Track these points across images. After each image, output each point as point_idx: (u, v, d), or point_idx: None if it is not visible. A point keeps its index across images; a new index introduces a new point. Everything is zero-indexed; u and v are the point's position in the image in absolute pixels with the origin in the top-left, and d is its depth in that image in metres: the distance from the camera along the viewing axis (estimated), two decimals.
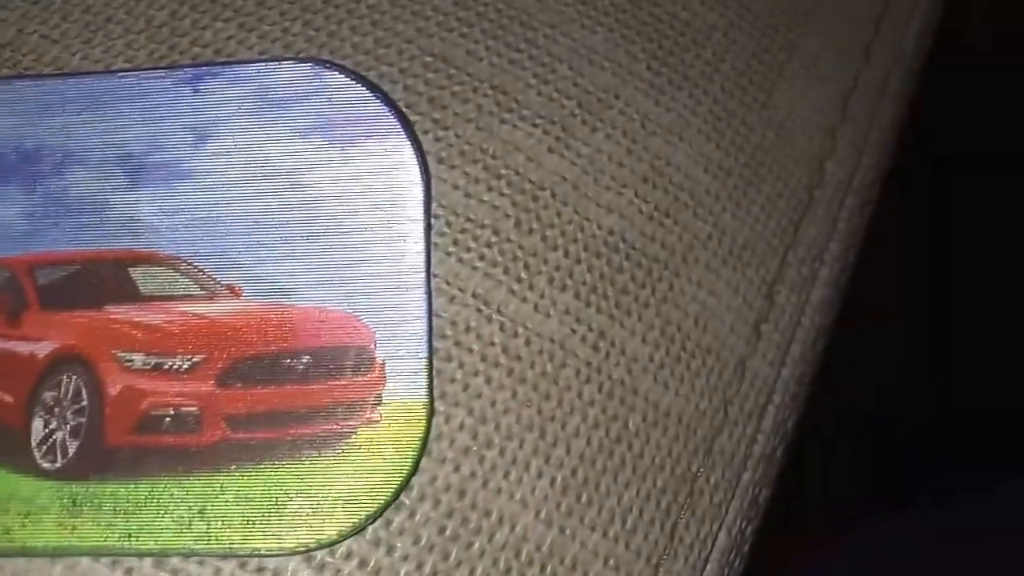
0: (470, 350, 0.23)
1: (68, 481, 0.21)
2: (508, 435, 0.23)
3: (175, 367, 0.22)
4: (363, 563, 0.21)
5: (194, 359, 0.22)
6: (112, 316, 0.22)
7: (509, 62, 0.26)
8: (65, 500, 0.21)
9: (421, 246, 0.22)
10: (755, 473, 0.26)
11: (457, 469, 0.22)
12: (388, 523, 0.22)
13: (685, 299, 0.25)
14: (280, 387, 0.22)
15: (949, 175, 0.63)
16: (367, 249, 0.22)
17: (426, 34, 0.26)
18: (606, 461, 0.23)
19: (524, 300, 0.24)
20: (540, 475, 0.23)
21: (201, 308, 0.22)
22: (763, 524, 0.27)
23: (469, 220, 0.24)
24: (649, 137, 0.26)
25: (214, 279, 0.23)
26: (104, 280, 0.23)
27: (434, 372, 0.22)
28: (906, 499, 0.55)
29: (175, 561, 0.21)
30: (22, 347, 0.22)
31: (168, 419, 0.22)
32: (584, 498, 0.23)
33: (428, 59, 0.25)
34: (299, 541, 0.21)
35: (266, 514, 0.21)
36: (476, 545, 0.22)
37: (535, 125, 0.25)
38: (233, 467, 0.21)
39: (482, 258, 0.24)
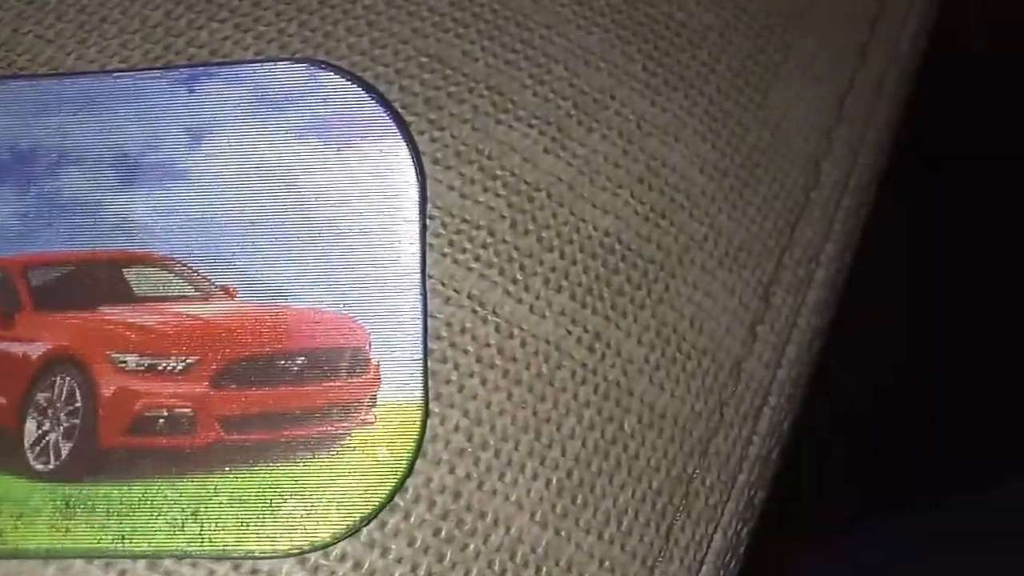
0: (465, 351, 0.23)
1: (61, 483, 0.21)
2: (503, 437, 0.23)
3: (169, 368, 0.22)
4: (357, 565, 0.21)
5: (188, 360, 0.22)
6: (106, 317, 0.22)
7: (505, 63, 0.26)
8: (58, 502, 0.21)
9: (416, 247, 0.22)
10: (751, 475, 0.26)
11: (452, 471, 0.22)
12: (383, 525, 0.22)
13: (681, 300, 0.25)
14: (274, 388, 0.22)
15: (945, 175, 0.63)
16: (362, 250, 0.22)
17: (422, 35, 0.25)
18: (601, 463, 0.23)
19: (519, 301, 0.24)
20: (535, 477, 0.23)
21: (195, 309, 0.22)
22: (758, 526, 0.27)
23: (465, 221, 0.24)
24: (645, 138, 0.26)
25: (208, 280, 0.22)
26: (98, 281, 0.23)
27: (429, 374, 0.22)
28: (902, 500, 0.56)
29: (168, 563, 0.21)
30: (15, 348, 0.22)
31: (162, 420, 0.22)
32: (579, 500, 0.23)
33: (424, 60, 0.25)
34: (293, 543, 0.21)
35: (260, 516, 0.21)
36: (471, 547, 0.22)
37: (531, 126, 0.25)
38: (227, 469, 0.21)
39: (477, 259, 0.24)
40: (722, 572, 0.25)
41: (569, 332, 0.24)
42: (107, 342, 0.22)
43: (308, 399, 0.22)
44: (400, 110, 0.24)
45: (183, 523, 0.21)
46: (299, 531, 0.21)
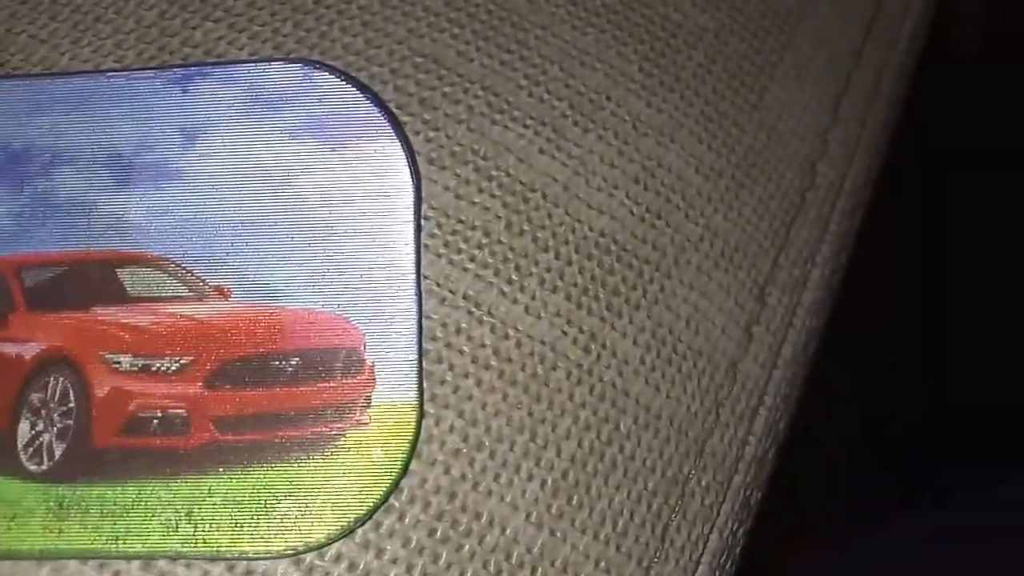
0: (460, 352, 0.23)
1: (55, 483, 0.21)
2: (498, 437, 0.23)
3: (163, 369, 0.22)
4: (352, 566, 0.21)
5: (182, 361, 0.22)
6: (99, 317, 0.22)
7: (500, 63, 0.26)
8: (52, 503, 0.21)
9: (411, 247, 0.22)
10: (746, 475, 0.26)
11: (447, 471, 0.22)
12: (377, 526, 0.22)
13: (676, 301, 0.25)
14: (269, 389, 0.22)
15: (941, 172, 0.63)
16: (357, 251, 0.22)
17: (417, 35, 0.25)
18: (597, 463, 0.23)
19: (515, 302, 0.24)
20: (530, 477, 0.23)
21: (189, 309, 0.22)
22: (755, 527, 0.27)
23: (460, 221, 0.24)
24: (641, 138, 0.26)
25: (202, 280, 0.22)
26: (91, 281, 0.22)
27: (424, 374, 0.22)
28: (905, 499, 0.56)
29: (162, 564, 0.21)
30: (9, 348, 0.22)
31: (156, 421, 0.22)
32: (575, 500, 0.23)
33: (419, 60, 0.25)
34: (287, 544, 0.21)
35: (254, 517, 0.21)
36: (466, 547, 0.22)
37: (526, 126, 0.25)
38: (221, 469, 0.21)
39: (473, 259, 0.24)
40: (718, 572, 0.25)
41: (564, 333, 0.24)
42: (101, 342, 0.22)
43: (302, 400, 0.22)
44: (395, 110, 0.24)
45: (177, 524, 0.21)
46: (294, 532, 0.21)
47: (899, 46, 0.32)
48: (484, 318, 0.23)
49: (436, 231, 0.24)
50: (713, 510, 0.25)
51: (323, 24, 0.25)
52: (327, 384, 0.22)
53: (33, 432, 0.22)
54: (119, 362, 0.22)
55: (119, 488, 0.21)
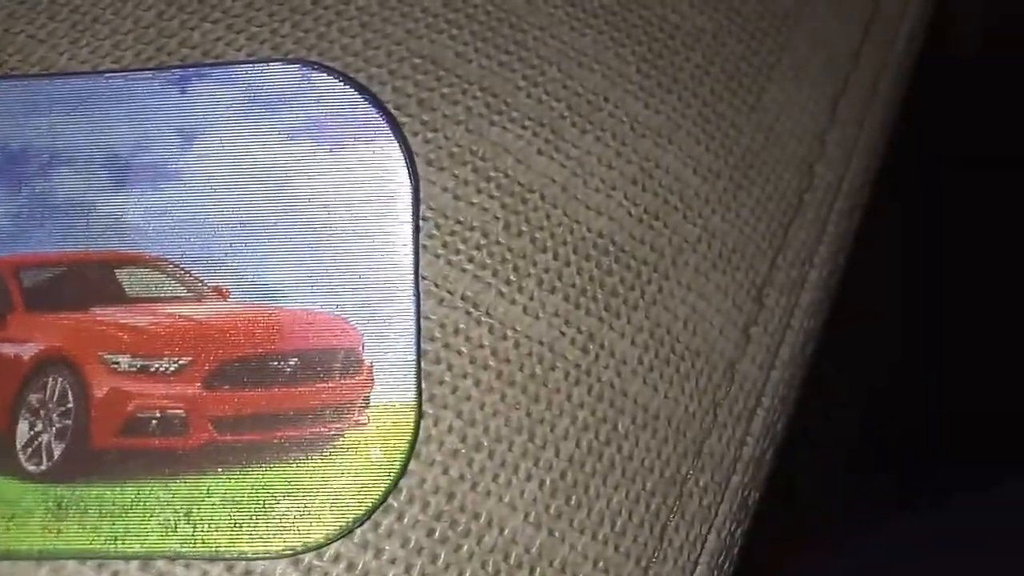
0: (459, 352, 0.23)
1: (54, 484, 0.21)
2: (497, 437, 0.23)
3: (161, 369, 0.22)
4: (351, 566, 0.21)
5: (180, 361, 0.22)
6: (98, 318, 0.22)
7: (498, 64, 0.26)
8: (50, 503, 0.21)
9: (410, 248, 0.22)
10: (744, 476, 0.26)
11: (446, 471, 0.22)
12: (376, 526, 0.22)
13: (674, 302, 0.25)
14: (267, 389, 0.22)
15: (939, 173, 0.63)
16: (356, 251, 0.22)
17: (415, 36, 0.25)
18: (595, 464, 0.23)
19: (513, 302, 0.24)
20: (529, 478, 0.23)
21: (188, 310, 0.22)
22: (753, 527, 0.27)
23: (458, 222, 0.24)
24: (638, 139, 0.26)
25: (201, 281, 0.22)
26: (90, 282, 0.22)
27: (422, 374, 0.22)
28: (902, 501, 0.56)
29: (161, 564, 0.21)
30: (7, 349, 0.22)
31: (154, 421, 0.22)
32: (573, 500, 0.23)
33: (417, 61, 0.25)
34: (286, 544, 0.21)
35: (253, 517, 0.21)
36: (465, 548, 0.22)
37: (524, 127, 0.25)
38: (220, 470, 0.21)
39: (471, 260, 0.24)
40: (716, 572, 0.25)
41: (563, 333, 0.24)
42: (99, 343, 0.22)
43: (301, 400, 0.22)
44: (393, 111, 0.24)
45: (176, 524, 0.21)
46: (292, 532, 0.21)
47: (897, 47, 0.32)
48: (482, 318, 0.23)
49: (434, 232, 0.24)
50: (711, 510, 0.25)
51: (321, 25, 0.25)
52: (326, 384, 0.22)
53: (32, 432, 0.22)
54: (118, 362, 0.22)
55: (118, 488, 0.21)
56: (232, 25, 0.25)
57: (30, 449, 0.22)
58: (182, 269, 0.22)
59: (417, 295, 0.22)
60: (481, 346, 0.23)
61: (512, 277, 0.24)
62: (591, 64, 0.26)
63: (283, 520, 0.21)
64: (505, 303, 0.24)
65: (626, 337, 0.24)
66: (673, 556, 0.24)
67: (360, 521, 0.21)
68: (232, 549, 0.21)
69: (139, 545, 0.21)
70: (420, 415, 0.22)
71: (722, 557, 0.25)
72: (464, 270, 0.24)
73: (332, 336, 0.22)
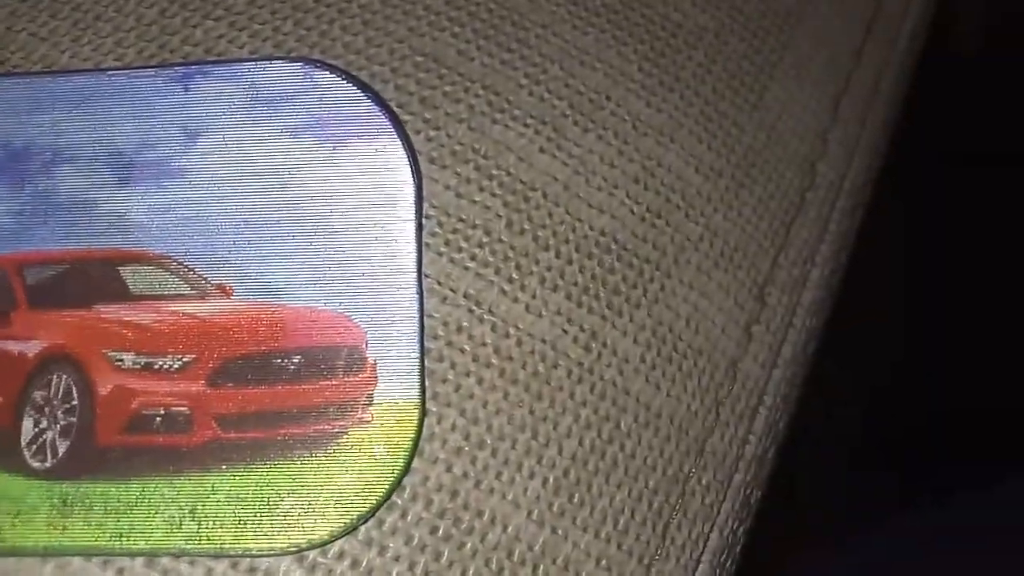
0: (462, 350, 0.23)
1: (58, 481, 0.21)
2: (500, 435, 0.23)
3: (165, 367, 0.22)
4: (355, 563, 0.21)
5: (184, 359, 0.22)
6: (102, 315, 0.22)
7: (501, 62, 0.26)
8: (55, 500, 0.21)
9: (412, 246, 0.22)
10: (747, 474, 0.26)
11: (449, 469, 0.22)
12: (380, 523, 0.22)
13: (676, 300, 0.25)
14: (271, 387, 0.22)
15: (941, 172, 0.63)
16: (358, 249, 0.22)
17: (417, 34, 0.25)
18: (598, 462, 0.23)
19: (516, 300, 0.24)
20: (532, 475, 0.23)
21: (191, 307, 0.22)
22: (755, 525, 0.27)
23: (460, 220, 0.24)
24: (640, 138, 0.26)
25: (204, 278, 0.22)
26: (93, 279, 0.22)
27: (426, 372, 0.22)
28: (905, 499, 0.56)
29: (166, 561, 0.21)
30: (11, 346, 0.22)
31: (159, 419, 0.22)
32: (576, 498, 0.23)
33: (419, 59, 0.25)
34: (291, 541, 0.21)
35: (257, 514, 0.21)
36: (468, 545, 0.22)
37: (527, 125, 0.25)
38: (224, 467, 0.21)
39: (473, 258, 0.24)
40: (718, 571, 0.25)
41: (565, 331, 0.24)
42: (103, 340, 0.22)
43: (305, 397, 0.22)
44: (396, 109, 0.24)
45: (180, 521, 0.21)
46: (297, 529, 0.21)
47: (899, 46, 0.32)
48: (485, 317, 0.23)
49: (437, 230, 0.24)
50: (713, 509, 0.25)
51: (324, 23, 0.25)
52: (329, 382, 0.22)
53: (36, 429, 0.22)
54: (122, 360, 0.22)
55: (123, 485, 0.21)
56: (235, 23, 0.25)
57: (35, 446, 0.22)
58: (185, 267, 0.22)
59: (420, 292, 0.22)
60: (484, 344, 0.23)
61: (514, 275, 0.24)
62: (593, 62, 0.27)
63: (287, 517, 0.21)
64: (507, 301, 0.24)
65: (628, 335, 0.25)
66: (675, 554, 0.24)
67: (364, 518, 0.21)
68: (237, 546, 0.21)
69: (144, 542, 0.21)
70: (423, 413, 0.22)
71: (724, 555, 0.25)
72: (467, 268, 0.24)
73: (335, 334, 0.22)
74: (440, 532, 0.22)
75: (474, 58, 0.26)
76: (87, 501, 0.21)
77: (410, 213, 0.23)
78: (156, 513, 0.21)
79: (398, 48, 0.25)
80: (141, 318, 0.22)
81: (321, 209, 0.23)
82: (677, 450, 0.24)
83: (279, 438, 0.21)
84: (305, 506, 0.21)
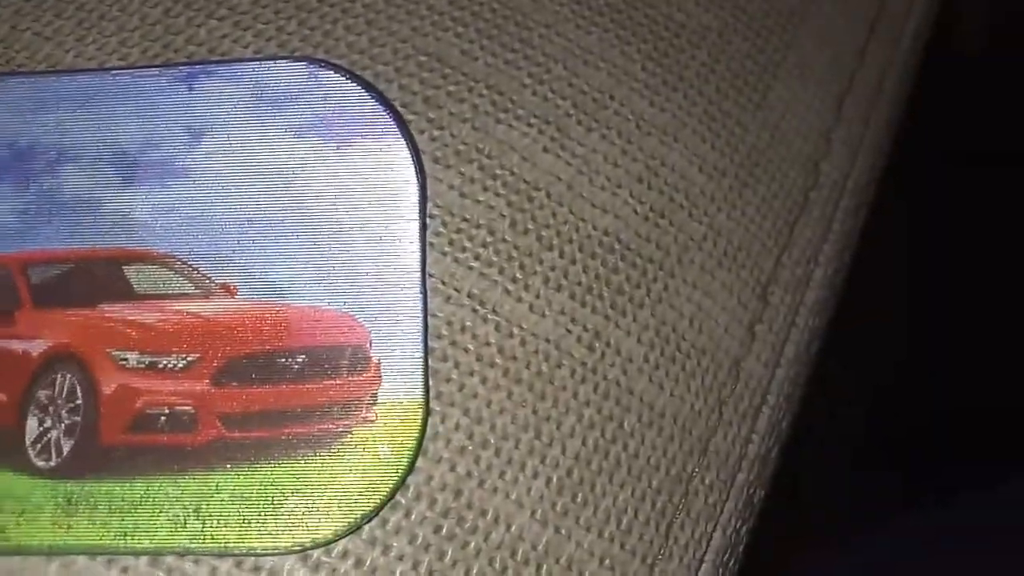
0: (466, 350, 0.23)
1: (63, 480, 0.21)
2: (503, 435, 0.23)
3: (170, 366, 0.22)
4: (359, 562, 0.21)
5: (189, 358, 0.22)
6: (106, 314, 0.22)
7: (504, 62, 0.26)
8: (60, 499, 0.21)
9: (416, 246, 0.22)
10: (750, 474, 0.26)
11: (453, 468, 0.22)
12: (384, 522, 0.22)
13: (680, 300, 0.25)
14: (275, 386, 0.22)
15: (944, 171, 0.63)
16: (362, 248, 0.22)
17: (421, 33, 0.26)
18: (601, 461, 0.23)
19: (519, 300, 0.24)
20: (536, 475, 0.23)
21: (196, 307, 0.22)
22: (758, 525, 0.27)
23: (464, 220, 0.24)
24: (644, 138, 0.26)
25: (208, 278, 0.22)
26: (98, 278, 0.23)
27: (430, 372, 0.22)
28: (908, 499, 0.56)
29: (170, 560, 0.21)
30: (16, 345, 0.22)
31: (163, 418, 0.22)
32: (579, 498, 0.23)
33: (423, 58, 0.25)
34: (295, 540, 0.21)
35: (262, 513, 0.21)
36: (472, 544, 0.22)
37: (530, 125, 0.25)
38: (228, 466, 0.21)
39: (477, 258, 0.24)
40: (721, 570, 0.25)
41: (569, 331, 0.24)
42: (108, 340, 0.22)
43: (309, 397, 0.22)
44: (400, 108, 0.24)
45: (185, 520, 0.21)
46: (301, 528, 0.21)
47: (903, 45, 0.32)
48: (489, 316, 0.23)
49: (441, 229, 0.24)
50: (717, 508, 0.25)
51: (327, 23, 0.25)
52: (333, 381, 0.22)
53: (41, 429, 0.22)
54: (126, 359, 0.22)
55: (127, 484, 0.21)
56: (239, 22, 0.25)
57: (39, 445, 0.22)
58: (190, 266, 0.22)
59: (424, 292, 0.22)
60: (488, 344, 0.23)
61: (518, 275, 0.24)
62: (597, 62, 0.27)
63: (292, 516, 0.21)
64: (511, 301, 0.24)
65: (632, 335, 0.25)
66: (679, 554, 0.24)
67: (368, 517, 0.21)
68: (241, 545, 0.21)
69: (148, 541, 0.21)
70: (427, 412, 0.22)
71: (727, 555, 0.25)
72: (470, 268, 0.24)
73: (340, 333, 0.22)
74: (444, 531, 0.22)
75: (478, 58, 0.26)
76: (92, 500, 0.21)
77: (414, 212, 0.23)
78: (160, 512, 0.21)
79: (402, 48, 0.25)
80: (145, 317, 0.22)
81: (325, 208, 0.23)
82: (680, 449, 0.24)
83: (283, 437, 0.22)
84: (309, 505, 0.21)
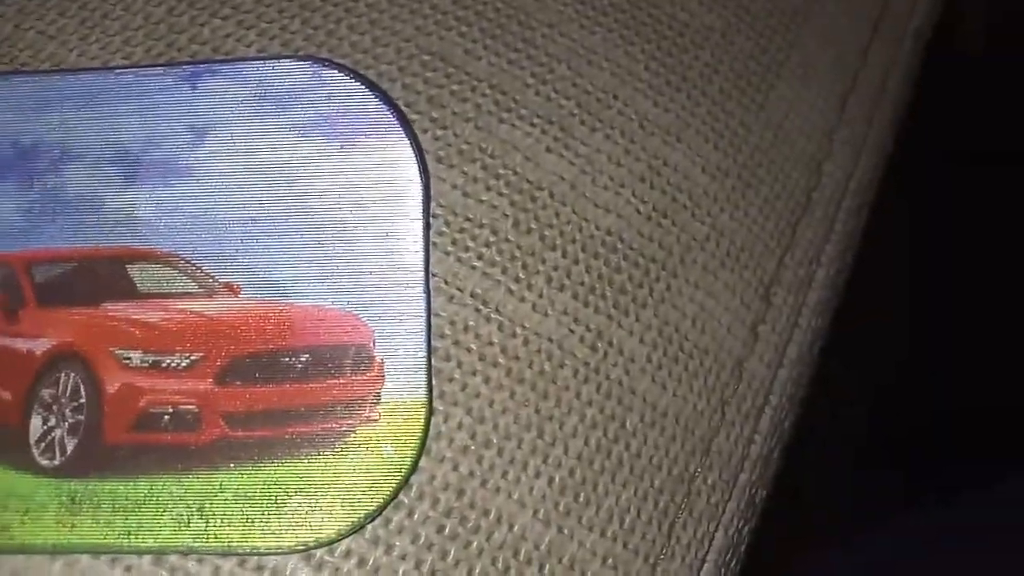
0: (469, 349, 0.23)
1: (67, 478, 0.21)
2: (506, 434, 0.23)
3: (173, 365, 0.22)
4: (362, 561, 0.21)
5: (192, 357, 0.22)
6: (110, 313, 0.22)
7: (508, 61, 0.26)
8: (64, 498, 0.21)
9: (420, 245, 0.22)
10: (752, 474, 0.26)
11: (456, 468, 0.22)
12: (387, 521, 0.22)
13: (683, 300, 0.25)
14: (279, 385, 0.22)
15: (947, 170, 0.63)
16: (366, 247, 0.22)
17: (424, 33, 0.26)
18: (604, 461, 0.23)
19: (522, 300, 0.24)
20: (538, 474, 0.23)
21: (199, 306, 0.22)
22: (760, 525, 0.27)
23: (468, 219, 0.24)
24: (647, 137, 0.26)
25: (212, 277, 0.22)
26: (101, 277, 0.23)
27: (433, 371, 0.22)
28: (910, 498, 0.56)
29: (174, 559, 0.21)
30: (19, 344, 0.22)
31: (167, 417, 0.22)
32: (582, 497, 0.23)
33: (427, 58, 0.25)
34: (298, 539, 0.21)
35: (265, 512, 0.21)
36: (475, 544, 0.22)
37: (533, 124, 0.25)
38: (232, 465, 0.21)
39: (480, 257, 0.24)
40: (723, 570, 0.25)
41: (571, 331, 0.24)
42: (111, 339, 0.22)
43: (312, 396, 0.22)
44: (403, 108, 0.24)
45: (188, 519, 0.21)
46: (304, 527, 0.21)
47: (906, 45, 0.32)
48: (492, 316, 0.23)
49: (444, 229, 0.24)
50: (719, 508, 0.25)
51: (331, 22, 0.25)
52: (337, 381, 0.22)
53: (45, 427, 0.22)
54: (130, 358, 0.22)
55: (131, 483, 0.21)
56: (242, 21, 0.25)
57: (43, 444, 0.22)
58: (193, 265, 0.22)
59: (427, 292, 0.22)
60: (490, 343, 0.23)
61: (521, 275, 0.24)
62: (600, 62, 0.27)
63: (295, 516, 0.21)
64: (514, 300, 0.24)
65: (635, 335, 0.25)
66: (681, 553, 0.24)
67: (371, 517, 0.21)
68: (244, 544, 0.21)
69: (152, 540, 0.21)
70: (431, 412, 0.22)
71: (729, 554, 0.25)
72: (473, 267, 0.24)
73: (343, 332, 0.22)
74: (447, 531, 0.22)
75: (481, 57, 0.26)
76: (95, 499, 0.21)
77: (417, 212, 0.23)
78: (164, 511, 0.21)
79: (405, 47, 0.25)
80: (149, 316, 0.22)
81: (328, 208, 0.23)
82: (683, 449, 0.24)
83: (287, 437, 0.22)
84: (312, 504, 0.21)
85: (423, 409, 0.22)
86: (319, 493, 0.21)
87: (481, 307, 0.23)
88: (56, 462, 0.22)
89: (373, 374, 0.22)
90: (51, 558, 0.21)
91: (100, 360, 0.22)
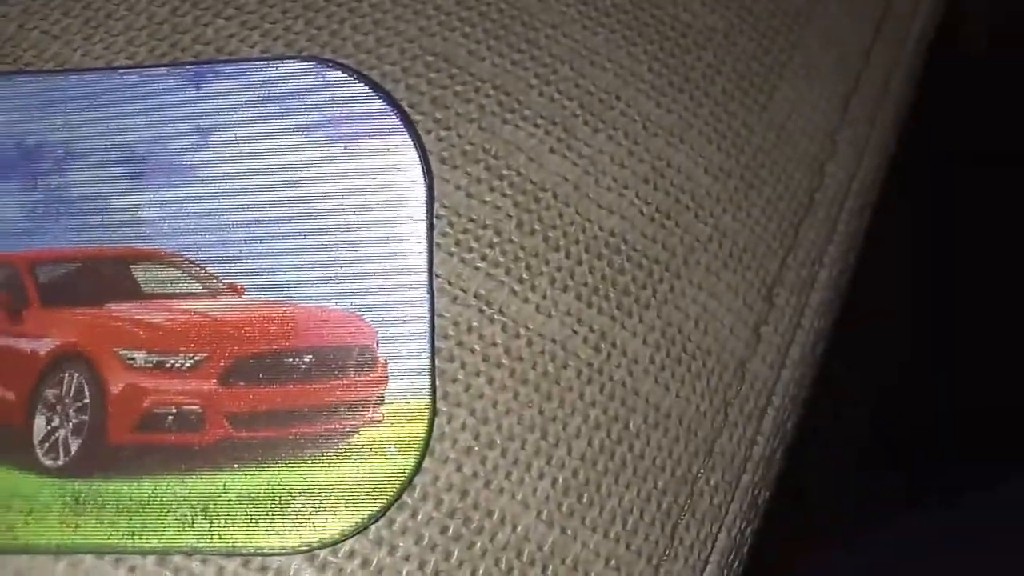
0: (472, 351, 0.23)
1: (71, 479, 0.21)
2: (510, 436, 0.23)
3: (177, 365, 0.22)
4: (366, 562, 0.21)
5: (196, 357, 0.22)
6: (114, 314, 0.22)
7: (511, 63, 0.26)
8: (68, 498, 0.21)
9: (423, 246, 0.23)
10: (755, 475, 0.26)
11: (459, 469, 0.22)
12: (391, 522, 0.22)
13: (685, 301, 0.25)
14: (283, 386, 0.22)
15: (949, 171, 0.63)
16: (369, 248, 0.22)
17: (428, 34, 0.26)
18: (607, 462, 0.23)
19: (526, 301, 0.24)
20: (542, 475, 0.23)
21: (203, 306, 0.22)
22: (763, 526, 0.27)
23: (471, 220, 0.24)
24: (650, 138, 0.26)
25: (216, 277, 0.22)
26: (105, 278, 0.23)
27: (436, 372, 0.22)
28: (912, 499, 0.56)
29: (178, 559, 0.21)
30: (23, 344, 0.22)
31: (170, 417, 0.22)
32: (585, 498, 0.23)
33: (430, 59, 0.25)
34: (302, 540, 0.21)
35: (269, 513, 0.21)
36: (478, 545, 0.22)
37: (537, 126, 0.25)
38: (236, 466, 0.21)
39: (484, 259, 0.24)
40: (726, 571, 0.25)
41: (575, 332, 0.24)
42: (115, 339, 0.22)
43: (316, 397, 0.22)
44: (407, 109, 0.24)
45: (192, 519, 0.21)
46: (308, 528, 0.21)
47: (908, 46, 0.32)
48: (495, 317, 0.23)
49: (448, 230, 0.24)
50: (722, 509, 0.25)
51: (334, 22, 0.25)
52: (340, 381, 0.22)
53: (49, 427, 0.22)
54: (133, 358, 0.22)
55: (135, 483, 0.21)
56: (246, 22, 0.25)
57: (47, 444, 0.22)
58: (197, 265, 0.23)
59: (431, 292, 0.22)
60: (494, 344, 0.23)
61: (525, 275, 0.24)
62: (603, 63, 0.27)
63: (299, 516, 0.21)
64: (518, 301, 0.24)
65: (638, 336, 0.25)
66: (684, 554, 0.24)
67: (375, 518, 0.21)
68: (248, 545, 0.21)
69: (156, 540, 0.21)
70: (434, 412, 0.22)
71: (732, 555, 0.25)
72: (477, 268, 0.24)
73: (347, 333, 0.22)
74: (450, 532, 0.22)
75: (485, 58, 0.26)
76: (99, 499, 0.21)
77: (421, 213, 0.23)
78: (168, 511, 0.21)
79: (409, 48, 0.25)
80: (153, 317, 0.22)
81: (332, 208, 0.23)
82: (686, 451, 0.24)
83: (291, 437, 0.22)
84: (316, 505, 0.21)
85: (427, 410, 0.22)
86: (323, 494, 0.21)
87: (485, 308, 0.23)
88: (60, 462, 0.22)
89: (377, 375, 0.22)
90: (55, 558, 0.21)
91: (104, 360, 0.22)
